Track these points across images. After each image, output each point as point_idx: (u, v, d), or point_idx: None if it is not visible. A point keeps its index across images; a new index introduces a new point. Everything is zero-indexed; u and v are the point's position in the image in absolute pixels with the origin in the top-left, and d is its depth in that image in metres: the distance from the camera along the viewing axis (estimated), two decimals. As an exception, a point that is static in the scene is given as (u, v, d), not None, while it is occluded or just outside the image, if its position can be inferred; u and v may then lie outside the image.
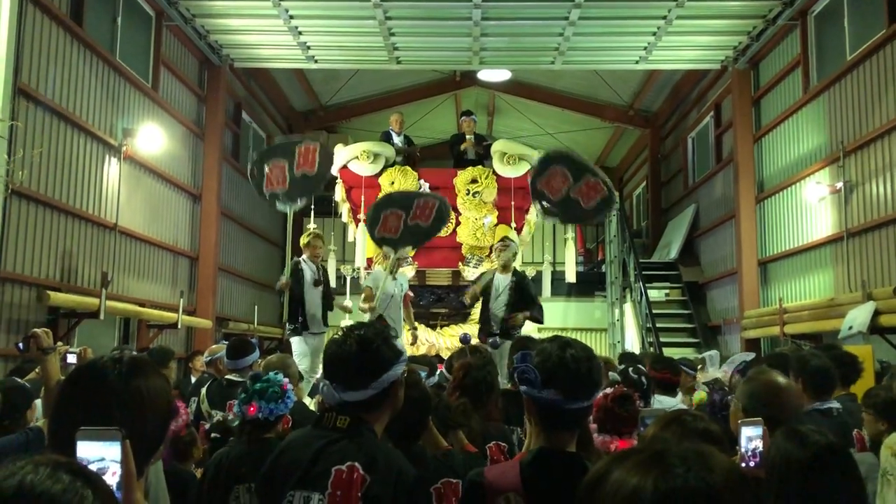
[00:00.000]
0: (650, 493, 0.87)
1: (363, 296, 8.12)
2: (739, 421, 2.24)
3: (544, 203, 7.45)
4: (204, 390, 5.54)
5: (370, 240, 9.57)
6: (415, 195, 7.81)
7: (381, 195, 8.34)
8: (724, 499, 0.88)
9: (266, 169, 7.12)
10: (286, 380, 3.33)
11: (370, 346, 2.20)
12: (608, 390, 2.49)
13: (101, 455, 1.27)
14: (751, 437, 2.12)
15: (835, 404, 3.68)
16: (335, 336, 2.32)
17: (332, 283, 10.10)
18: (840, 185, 8.51)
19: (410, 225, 7.55)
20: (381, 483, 2.06)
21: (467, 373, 3.47)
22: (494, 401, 3.50)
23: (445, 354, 8.59)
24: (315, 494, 2.06)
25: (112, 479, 1.26)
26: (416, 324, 9.25)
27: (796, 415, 2.58)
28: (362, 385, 2.17)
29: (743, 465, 1.95)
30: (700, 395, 4.47)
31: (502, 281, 7.86)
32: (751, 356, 7.19)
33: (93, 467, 1.26)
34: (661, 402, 4.01)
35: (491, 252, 9.48)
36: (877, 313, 6.91)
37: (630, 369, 3.29)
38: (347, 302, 8.84)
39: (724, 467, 0.92)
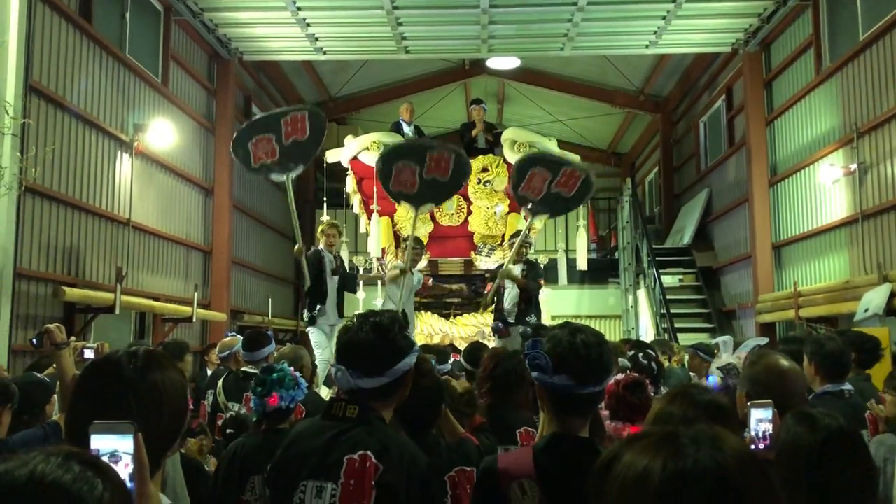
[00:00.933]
0: (660, 474, 0.87)
1: (390, 276, 8.20)
2: (749, 403, 2.23)
3: (529, 205, 7.57)
4: (221, 383, 5.58)
5: (383, 230, 9.61)
6: (426, 146, 7.38)
7: (385, 147, 7.85)
8: (735, 480, 0.87)
9: (250, 146, 6.82)
10: (291, 368, 3.35)
11: (388, 334, 2.21)
12: (619, 377, 2.48)
13: (114, 448, 1.28)
14: (760, 420, 2.11)
15: (847, 386, 3.66)
16: (348, 323, 2.33)
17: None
18: (854, 166, 8.43)
19: (427, 179, 7.19)
20: (393, 471, 2.07)
21: (498, 363, 3.48)
22: (525, 391, 3.50)
23: (458, 343, 8.63)
24: (328, 484, 2.07)
25: (125, 470, 1.27)
26: (430, 314, 9.32)
27: (801, 398, 2.55)
28: (378, 372, 2.18)
29: (752, 447, 1.94)
30: (712, 382, 4.44)
31: (514, 271, 7.97)
32: (764, 340, 7.16)
33: (105, 459, 1.27)
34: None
35: (503, 241, 9.49)
36: (893, 295, 6.86)
37: (640, 355, 3.28)
38: (359, 294, 8.88)
39: (736, 448, 0.91)
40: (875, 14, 8.18)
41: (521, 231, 8.42)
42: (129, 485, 1.25)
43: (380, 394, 2.21)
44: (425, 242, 9.44)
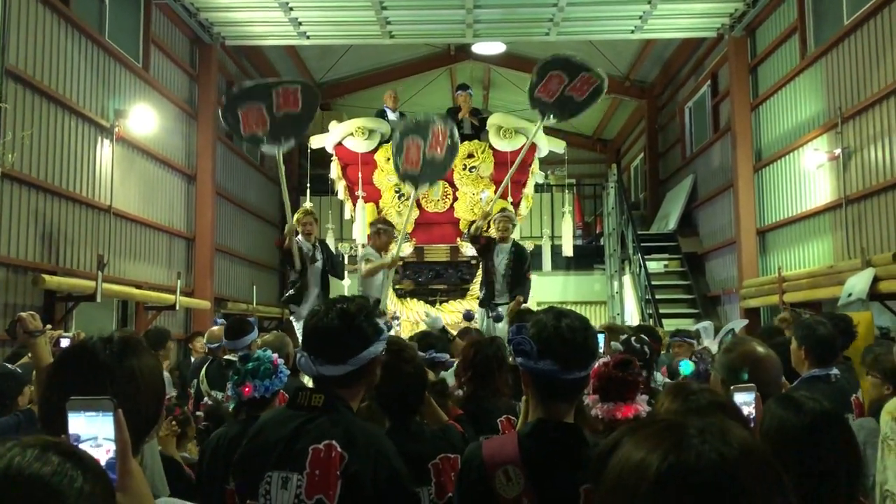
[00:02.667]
0: (658, 465, 0.83)
1: (366, 272, 8.05)
2: (732, 387, 2.22)
3: (542, 106, 7.61)
4: (203, 371, 5.54)
5: (369, 216, 9.55)
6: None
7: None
8: (741, 475, 0.83)
9: (240, 113, 6.68)
10: (275, 355, 3.31)
11: (352, 322, 2.17)
12: (606, 359, 2.46)
13: (94, 433, 1.25)
14: (743, 403, 2.10)
15: (834, 370, 3.67)
16: (315, 308, 2.28)
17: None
18: (838, 151, 8.45)
19: (428, 157, 7.35)
20: (360, 461, 2.04)
21: (478, 350, 3.47)
22: (504, 377, 3.50)
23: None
24: (294, 475, 2.04)
25: (106, 456, 1.24)
26: (416, 300, 9.28)
27: (776, 385, 2.55)
28: (341, 360, 2.14)
29: None
30: (684, 367, 4.45)
31: (502, 249, 7.89)
32: (742, 323, 7.18)
33: (85, 445, 1.24)
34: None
35: (489, 228, 9.45)
36: (876, 280, 6.88)
37: (633, 338, 3.27)
38: (345, 281, 8.83)
39: (745, 443, 0.86)
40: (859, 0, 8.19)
41: (504, 209, 8.34)
42: (110, 474, 1.22)
43: (345, 381, 2.17)
44: (410, 229, 9.39)
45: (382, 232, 8.09)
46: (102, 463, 1.22)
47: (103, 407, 1.25)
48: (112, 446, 1.24)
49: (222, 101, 6.93)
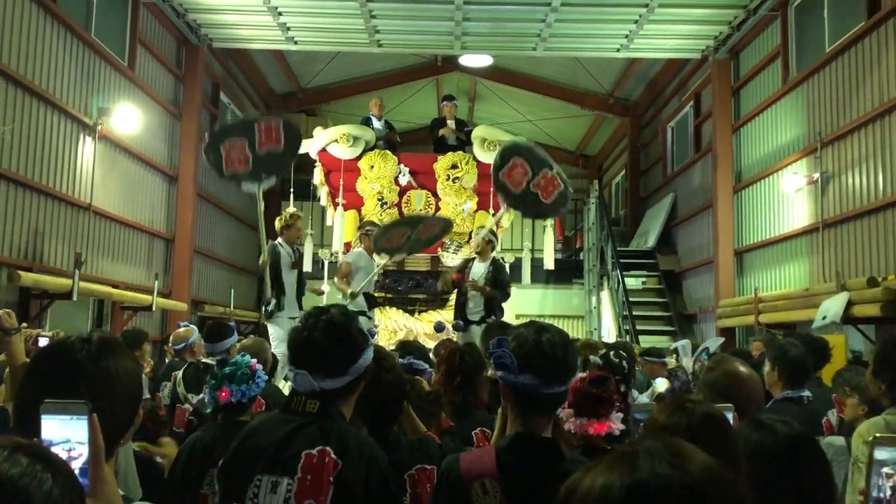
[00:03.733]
0: (617, 489, 0.84)
1: (340, 272, 8.09)
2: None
3: (506, 195, 7.61)
4: (180, 374, 5.49)
5: (349, 223, 9.56)
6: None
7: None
8: (700, 490, 0.84)
9: (222, 150, 6.69)
10: (254, 360, 3.30)
11: (345, 333, 2.18)
12: (582, 374, 2.48)
13: (67, 436, 1.24)
14: None
15: (806, 392, 3.72)
16: (298, 323, 2.27)
17: (309, 268, 10.09)
18: (817, 176, 8.57)
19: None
20: (353, 467, 2.04)
21: (462, 358, 3.45)
22: (485, 384, 3.49)
23: (423, 339, 8.61)
24: (284, 479, 2.04)
25: (78, 461, 1.23)
26: (394, 309, 9.28)
27: (758, 405, 2.58)
28: (341, 372, 2.14)
29: None
30: (659, 385, 4.49)
31: (479, 269, 7.91)
32: (719, 342, 7.24)
33: (57, 448, 1.23)
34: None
35: (470, 238, 9.49)
36: (850, 303, 6.98)
37: (611, 353, 3.30)
38: (324, 286, 8.81)
39: (698, 459, 0.88)
40: (841, 27, 8.33)
41: (484, 227, 8.43)
42: (81, 480, 1.21)
43: (342, 392, 2.18)
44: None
45: (371, 234, 8.15)
46: (75, 467, 1.21)
47: (78, 410, 1.24)
48: (85, 450, 1.23)
49: (205, 137, 6.94)
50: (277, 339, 7.51)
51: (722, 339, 6.74)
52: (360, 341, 2.21)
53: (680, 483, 0.83)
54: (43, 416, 1.24)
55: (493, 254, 8.20)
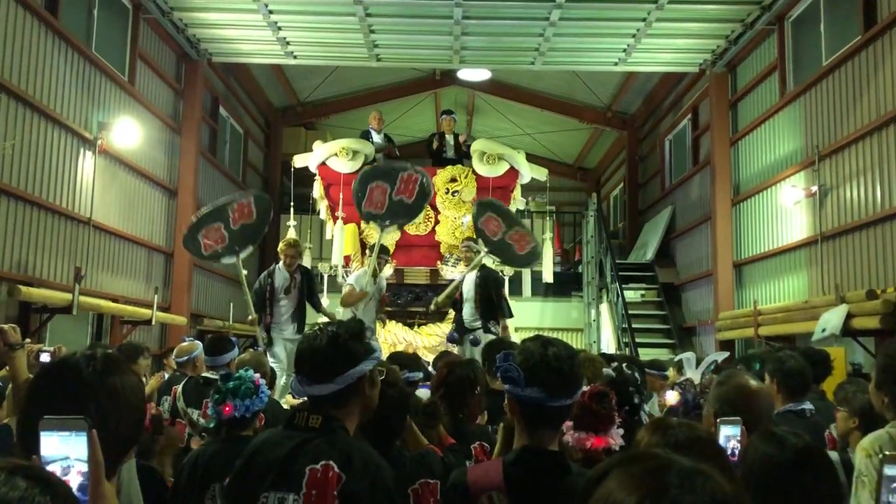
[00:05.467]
0: None
1: (344, 294, 8.06)
2: (718, 420, 2.24)
3: (486, 242, 8.08)
4: (180, 388, 5.47)
5: (348, 237, 9.56)
6: (399, 168, 7.90)
7: (365, 168, 8.46)
8: None
9: (200, 239, 7.29)
10: (257, 375, 3.29)
11: (338, 340, 2.19)
12: (584, 388, 2.49)
13: (65, 453, 1.23)
14: (729, 437, 2.13)
15: (808, 405, 3.71)
16: (308, 332, 2.31)
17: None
18: (815, 188, 8.60)
19: (395, 200, 7.69)
20: (357, 481, 2.04)
21: (451, 371, 3.47)
22: (477, 400, 3.50)
23: (422, 353, 8.60)
24: (290, 495, 2.03)
25: (76, 478, 1.22)
26: (394, 322, 9.25)
27: (768, 418, 2.58)
28: (327, 379, 2.15)
29: None
30: (670, 397, 4.48)
31: (469, 279, 7.93)
32: (724, 355, 7.25)
33: (56, 466, 1.23)
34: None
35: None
36: (849, 316, 6.99)
37: (624, 365, 3.30)
38: (324, 300, 8.83)
39: (725, 495, 0.85)
40: (838, 41, 8.38)
41: (467, 239, 8.54)
42: (80, 496, 1.21)
43: (336, 402, 2.18)
44: (392, 251, 9.41)
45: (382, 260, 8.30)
46: (74, 484, 1.21)
47: (77, 427, 1.23)
48: (84, 467, 1.22)
49: (184, 232, 7.50)
50: (275, 357, 7.53)
51: (726, 354, 6.74)
52: (356, 351, 2.21)
53: None
54: (42, 433, 1.24)
55: (483, 261, 8.15)
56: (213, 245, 7.31)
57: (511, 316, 8.02)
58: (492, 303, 7.81)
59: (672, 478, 0.84)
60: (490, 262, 8.31)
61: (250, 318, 7.63)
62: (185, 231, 7.44)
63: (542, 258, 8.32)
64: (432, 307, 8.58)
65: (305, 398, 2.26)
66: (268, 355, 7.44)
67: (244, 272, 7.68)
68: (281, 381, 7.29)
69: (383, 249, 8.35)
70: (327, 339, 2.20)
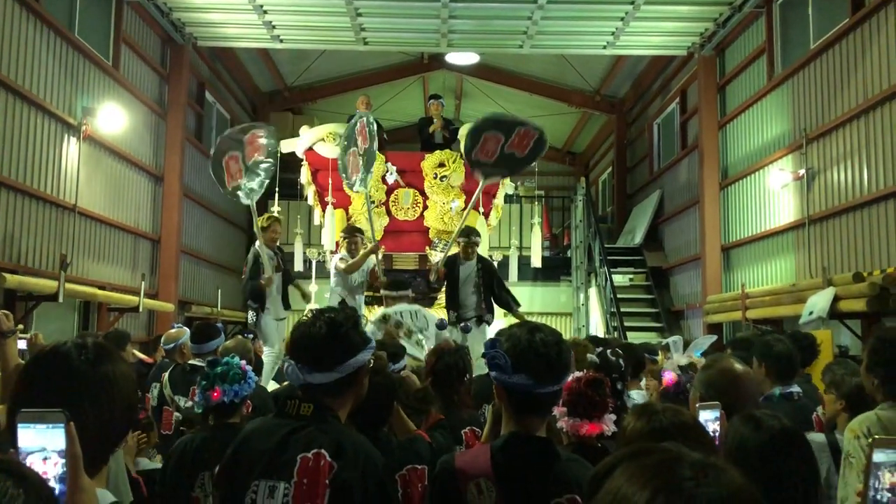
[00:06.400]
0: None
1: (347, 265, 7.95)
2: (697, 405, 2.25)
3: (484, 168, 7.47)
4: (167, 376, 5.46)
5: (338, 222, 9.52)
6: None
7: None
8: None
9: (223, 167, 7.16)
10: (243, 362, 3.28)
11: (339, 330, 2.18)
12: (578, 374, 2.48)
13: (42, 444, 1.22)
14: (707, 420, 2.14)
15: (796, 388, 3.73)
16: (304, 318, 2.29)
17: (300, 267, 10.06)
18: (802, 172, 8.63)
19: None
20: (349, 469, 2.04)
21: (439, 358, 3.48)
22: (467, 387, 3.50)
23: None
24: (281, 483, 2.03)
25: (53, 469, 1.21)
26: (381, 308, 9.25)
27: (754, 401, 2.59)
28: (328, 368, 2.14)
29: None
30: (668, 377, 4.49)
31: (468, 267, 7.86)
32: (713, 338, 7.29)
33: (33, 458, 1.21)
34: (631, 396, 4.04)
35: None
36: (836, 299, 7.03)
37: (608, 352, 3.31)
38: (312, 286, 8.79)
39: (738, 487, 0.83)
40: (826, 24, 8.38)
41: (468, 228, 8.34)
42: (58, 486, 1.19)
43: (332, 390, 2.17)
44: (380, 237, 9.37)
45: (359, 241, 8.11)
46: (54, 475, 1.20)
47: (54, 419, 1.22)
48: (59, 458, 1.21)
49: (212, 153, 7.35)
50: (267, 340, 7.50)
51: (714, 337, 6.76)
52: (357, 342, 2.20)
53: None
54: (19, 425, 1.22)
55: (480, 251, 8.12)
56: (233, 178, 7.24)
57: (519, 305, 7.97)
58: (493, 293, 7.79)
59: (685, 471, 0.83)
60: (483, 251, 8.18)
61: (267, 276, 7.49)
62: (212, 153, 7.35)
63: (545, 142, 7.50)
64: (433, 277, 8.34)
65: (289, 384, 2.25)
66: (258, 339, 7.43)
67: (258, 220, 7.66)
68: (268, 366, 7.27)
69: (351, 231, 8.27)
70: (326, 326, 2.18)
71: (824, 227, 8.26)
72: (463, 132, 9.72)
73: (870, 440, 1.54)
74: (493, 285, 7.78)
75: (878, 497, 1.51)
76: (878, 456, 1.51)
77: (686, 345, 6.66)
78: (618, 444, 1.69)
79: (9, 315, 2.93)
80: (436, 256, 9.65)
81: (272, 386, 6.57)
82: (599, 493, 0.86)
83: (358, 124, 7.73)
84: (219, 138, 7.50)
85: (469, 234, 7.86)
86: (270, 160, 7.46)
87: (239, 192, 7.30)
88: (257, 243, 7.63)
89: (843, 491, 2.77)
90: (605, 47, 11.14)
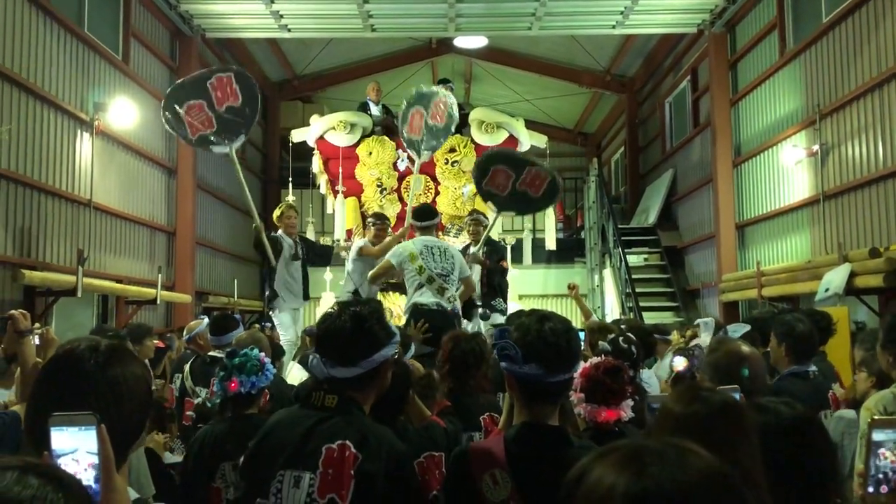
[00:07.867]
0: (621, 494, 0.85)
1: (371, 250, 7.87)
2: (718, 388, 2.25)
3: (496, 199, 7.56)
4: (188, 367, 5.52)
5: (349, 210, 9.54)
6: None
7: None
8: (698, 501, 0.85)
9: (181, 112, 6.54)
10: (262, 353, 3.31)
11: (364, 325, 2.19)
12: (595, 360, 2.49)
13: (75, 446, 1.25)
14: None
15: (812, 367, 3.73)
16: (330, 310, 2.31)
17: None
18: (816, 147, 8.55)
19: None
20: (373, 460, 2.06)
21: (456, 344, 3.48)
22: (484, 372, 3.51)
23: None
24: (306, 473, 2.06)
25: (89, 470, 1.24)
26: (396, 294, 9.26)
27: (762, 383, 2.59)
28: (352, 362, 2.16)
29: None
30: (678, 363, 4.50)
31: (479, 255, 7.86)
32: (746, 328, 7.23)
33: (66, 459, 1.24)
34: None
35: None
36: (852, 275, 6.98)
37: (620, 338, 3.31)
38: (326, 275, 8.81)
39: (704, 467, 0.88)
40: (838, -3, 8.27)
41: (475, 211, 8.31)
42: (93, 486, 1.23)
43: (357, 384, 2.19)
44: (393, 223, 9.37)
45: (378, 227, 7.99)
46: (88, 477, 1.23)
47: (86, 421, 1.25)
48: (94, 459, 1.24)
49: (161, 104, 6.74)
50: (283, 326, 7.52)
51: (748, 327, 6.68)
52: (381, 336, 2.21)
53: (683, 494, 0.85)
54: (52, 429, 1.26)
55: (491, 234, 8.09)
56: (200, 128, 6.59)
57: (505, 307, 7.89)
58: (493, 275, 7.78)
59: (649, 458, 0.88)
60: (496, 234, 8.18)
61: (256, 223, 7.43)
62: (163, 103, 6.70)
63: (560, 188, 7.69)
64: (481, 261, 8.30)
65: (312, 376, 2.26)
66: (277, 329, 7.46)
67: (238, 166, 7.29)
68: (288, 353, 7.27)
69: (379, 216, 8.22)
70: (352, 320, 2.19)
71: (839, 202, 8.20)
72: (474, 116, 9.70)
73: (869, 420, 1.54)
74: (495, 271, 7.76)
75: (880, 476, 1.51)
76: (878, 435, 1.51)
77: (718, 327, 6.59)
78: (660, 428, 1.65)
79: (26, 314, 2.97)
80: (448, 242, 9.65)
81: (297, 368, 6.53)
82: (578, 491, 0.89)
83: (439, 94, 7.93)
84: (169, 89, 6.96)
85: (475, 215, 7.97)
86: (249, 104, 6.72)
87: (211, 143, 6.71)
88: (280, 231, 7.58)
89: (859, 469, 2.78)
90: (614, 27, 11.06)
